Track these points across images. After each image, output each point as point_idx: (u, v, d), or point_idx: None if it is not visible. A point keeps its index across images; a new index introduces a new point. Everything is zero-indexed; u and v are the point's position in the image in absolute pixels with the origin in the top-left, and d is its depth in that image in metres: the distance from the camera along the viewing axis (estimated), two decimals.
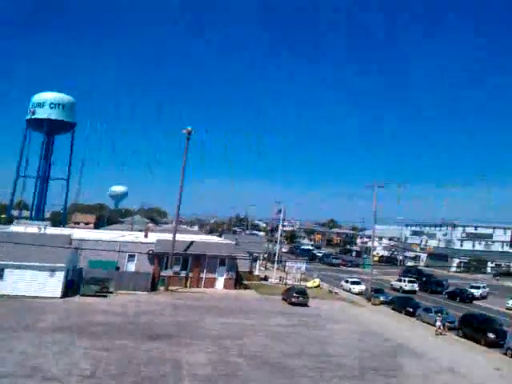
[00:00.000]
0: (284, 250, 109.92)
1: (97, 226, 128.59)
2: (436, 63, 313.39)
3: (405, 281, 63.99)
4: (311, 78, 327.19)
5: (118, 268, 49.23)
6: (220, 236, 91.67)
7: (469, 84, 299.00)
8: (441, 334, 37.48)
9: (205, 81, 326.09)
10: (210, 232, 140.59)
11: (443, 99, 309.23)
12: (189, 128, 51.09)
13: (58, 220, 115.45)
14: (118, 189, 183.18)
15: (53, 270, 41.19)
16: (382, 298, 51.47)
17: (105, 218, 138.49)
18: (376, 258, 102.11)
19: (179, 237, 53.16)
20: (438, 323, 38.14)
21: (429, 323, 40.70)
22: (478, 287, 62.73)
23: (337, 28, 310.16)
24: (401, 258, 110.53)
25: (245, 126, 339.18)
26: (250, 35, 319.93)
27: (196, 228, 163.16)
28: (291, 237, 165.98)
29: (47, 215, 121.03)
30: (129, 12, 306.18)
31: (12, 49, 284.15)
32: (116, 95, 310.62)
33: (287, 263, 68.91)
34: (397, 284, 63.86)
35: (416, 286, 62.32)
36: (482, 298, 60.30)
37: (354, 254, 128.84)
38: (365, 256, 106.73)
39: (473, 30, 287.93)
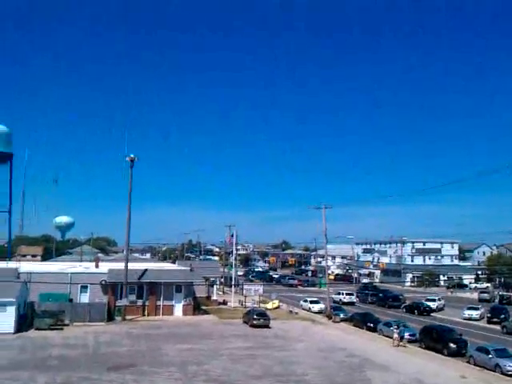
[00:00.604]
0: (240, 273, 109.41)
1: (44, 257, 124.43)
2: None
3: (343, 293, 69.20)
4: (255, 100, 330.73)
5: (70, 300, 47.62)
6: (174, 263, 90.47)
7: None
8: (398, 345, 38.14)
9: (143, 108, 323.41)
10: (164, 259, 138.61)
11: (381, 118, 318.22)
12: (132, 156, 50.44)
13: (3, 253, 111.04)
14: (64, 219, 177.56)
15: (3, 305, 39.53)
16: (342, 315, 51.84)
17: (52, 249, 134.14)
18: (331, 277, 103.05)
19: (132, 265, 52.06)
20: (395, 335, 38.85)
21: (390, 337, 41.06)
22: (434, 300, 64.17)
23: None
24: (355, 275, 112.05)
25: (189, 151, 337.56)
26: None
27: (148, 256, 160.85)
28: (246, 260, 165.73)
29: None
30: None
31: None
32: (55, 123, 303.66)
33: (245, 286, 68.53)
34: (336, 297, 67.17)
35: (354, 298, 67.12)
36: (439, 310, 61.70)
37: (309, 273, 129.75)
38: (320, 275, 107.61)
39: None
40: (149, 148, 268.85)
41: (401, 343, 38.70)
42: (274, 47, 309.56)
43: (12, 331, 38.82)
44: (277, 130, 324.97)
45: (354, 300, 65.71)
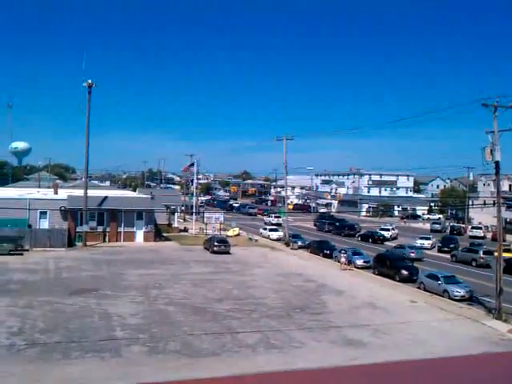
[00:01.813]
0: (201, 201, 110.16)
1: (1, 183, 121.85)
2: None
3: (270, 230, 63.90)
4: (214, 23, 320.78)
5: (30, 226, 47.24)
6: (134, 191, 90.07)
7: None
8: (345, 269, 40.53)
9: (106, 25, 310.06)
10: (124, 187, 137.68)
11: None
12: (89, 81, 48.83)
13: None
14: (20, 145, 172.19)
15: None
16: (299, 243, 53.24)
17: (8, 175, 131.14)
18: (290, 206, 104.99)
19: (92, 192, 51.76)
20: (343, 259, 41.44)
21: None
22: (388, 229, 66.40)
23: None
24: (313, 205, 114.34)
25: (151, 76, 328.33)
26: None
27: (108, 183, 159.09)
28: (207, 189, 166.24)
29: None
30: None
31: None
32: (7, 44, 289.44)
33: (206, 214, 69.16)
34: (265, 233, 63.34)
35: (280, 234, 60.63)
36: (393, 238, 63.97)
37: (269, 203, 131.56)
38: (279, 205, 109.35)
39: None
40: (111, 73, 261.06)
41: (348, 267, 40.89)
42: None
43: None
44: (241, 55, 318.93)
45: (281, 234, 59.65)
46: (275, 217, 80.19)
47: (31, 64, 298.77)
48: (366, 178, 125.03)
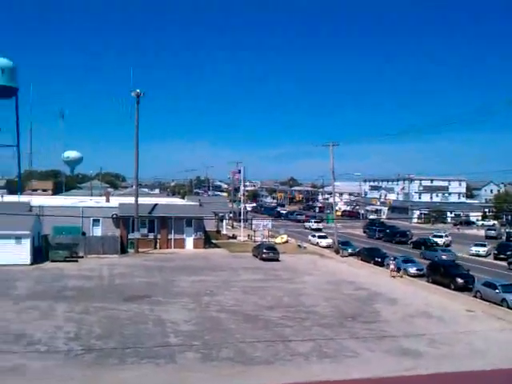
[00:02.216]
0: (248, 208, 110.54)
1: (55, 192, 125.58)
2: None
3: (319, 237, 62.90)
4: (262, 41, 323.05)
5: (83, 233, 48.46)
6: (183, 198, 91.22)
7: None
8: (394, 276, 39.84)
9: (149, 44, 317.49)
10: (172, 194, 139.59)
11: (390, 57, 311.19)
12: (137, 90, 49.73)
13: (14, 188, 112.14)
14: (72, 154, 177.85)
15: (19, 238, 40.34)
16: (350, 250, 52.56)
17: (62, 184, 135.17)
18: (339, 213, 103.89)
19: (142, 200, 52.70)
20: (392, 266, 40.51)
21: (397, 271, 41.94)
22: (441, 236, 64.75)
23: None
24: (362, 212, 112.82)
25: (198, 86, 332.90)
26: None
27: (157, 191, 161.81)
28: (254, 196, 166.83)
29: (1, 183, 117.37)
30: None
31: None
32: (62, 57, 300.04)
33: (253, 221, 69.26)
34: (314, 240, 62.48)
35: (330, 241, 59.94)
36: (446, 246, 62.24)
37: (317, 209, 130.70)
38: (328, 211, 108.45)
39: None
40: (159, 83, 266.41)
41: (397, 274, 40.12)
42: None
43: (28, 263, 39.82)
44: (283, 68, 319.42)
45: (331, 241, 59.08)
46: (315, 222, 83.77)
47: (82, 73, 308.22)
48: (417, 183, 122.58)
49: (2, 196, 59.29)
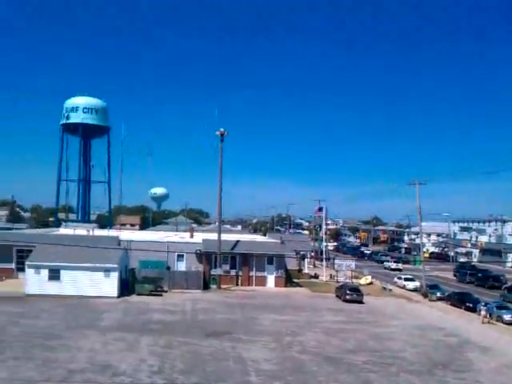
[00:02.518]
0: (330, 247, 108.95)
1: (142, 227, 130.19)
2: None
3: (405, 279, 60.20)
4: (345, 80, 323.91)
5: (168, 268, 49.51)
6: (264, 235, 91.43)
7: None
8: (488, 322, 38.00)
9: (233, 84, 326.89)
10: (254, 231, 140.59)
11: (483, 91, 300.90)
12: (222, 129, 51.01)
13: (104, 222, 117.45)
14: (159, 191, 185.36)
15: (107, 271, 41.72)
16: (438, 294, 50.08)
17: (149, 219, 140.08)
18: (426, 255, 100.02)
19: (224, 236, 53.24)
20: (483, 312, 38.60)
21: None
22: None
23: None
24: (452, 254, 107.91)
25: (279, 125, 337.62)
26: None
27: (239, 227, 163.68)
28: (336, 234, 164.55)
29: (93, 217, 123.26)
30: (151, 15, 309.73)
31: (41, 55, 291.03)
32: (149, 97, 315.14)
33: (336, 261, 67.97)
34: (400, 283, 59.86)
35: (417, 284, 57.38)
36: None
37: (402, 251, 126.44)
38: (414, 253, 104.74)
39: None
40: (241, 122, 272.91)
41: (491, 320, 38.31)
42: None
43: (115, 295, 41.08)
44: (364, 108, 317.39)
45: (418, 284, 56.66)
46: (394, 262, 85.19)
47: (169, 112, 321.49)
48: (510, 225, 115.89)
49: (93, 230, 62.14)
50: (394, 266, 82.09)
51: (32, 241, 47.13)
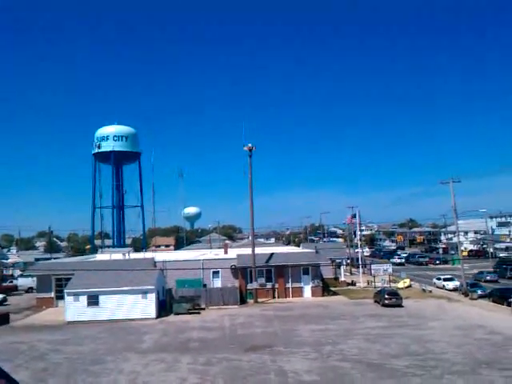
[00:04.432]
0: (366, 253, 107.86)
1: (176, 247, 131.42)
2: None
3: (444, 279, 59.01)
4: (367, 85, 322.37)
5: (204, 285, 49.78)
6: (298, 246, 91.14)
7: None
8: None
9: (259, 99, 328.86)
10: (288, 243, 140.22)
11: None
12: (249, 145, 51.19)
13: (139, 245, 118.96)
14: (192, 210, 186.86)
15: (144, 292, 42.21)
16: (479, 292, 49.09)
17: (183, 239, 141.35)
18: (465, 253, 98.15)
19: (258, 250, 53.29)
20: None
21: None
22: None
23: None
24: (491, 250, 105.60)
25: (306, 133, 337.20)
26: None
27: (273, 240, 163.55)
28: (371, 240, 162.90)
29: (128, 241, 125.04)
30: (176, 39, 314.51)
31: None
32: (176, 120, 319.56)
33: (373, 266, 67.26)
34: (439, 283, 58.89)
35: (457, 283, 55.89)
36: None
37: (440, 251, 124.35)
38: (452, 252, 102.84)
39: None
40: (270, 133, 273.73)
41: None
42: None
43: (154, 316, 41.50)
44: (392, 109, 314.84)
45: (458, 283, 55.17)
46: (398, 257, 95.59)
47: (196, 133, 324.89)
48: None
49: (129, 254, 63.01)
50: (398, 261, 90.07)
51: (70, 268, 48.11)
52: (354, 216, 77.43)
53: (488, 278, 62.49)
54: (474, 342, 29.73)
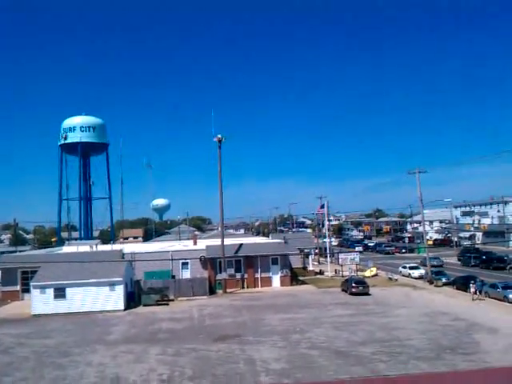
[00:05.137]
0: (334, 243, 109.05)
1: (145, 239, 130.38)
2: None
3: (410, 268, 59.83)
4: (337, 73, 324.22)
5: (173, 276, 49.65)
6: (267, 236, 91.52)
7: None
8: (476, 299, 40.24)
9: (228, 87, 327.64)
10: (257, 234, 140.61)
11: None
12: (219, 136, 51.07)
13: (107, 237, 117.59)
14: (160, 202, 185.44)
15: (112, 285, 41.86)
16: (444, 280, 50.15)
17: (152, 230, 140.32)
18: (430, 242, 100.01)
19: (228, 241, 53.39)
20: (472, 289, 40.89)
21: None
22: None
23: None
24: (455, 239, 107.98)
25: (279, 124, 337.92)
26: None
27: (242, 231, 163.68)
28: (339, 230, 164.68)
29: (96, 234, 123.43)
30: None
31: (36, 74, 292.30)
32: (145, 111, 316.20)
33: (340, 255, 68.01)
34: (405, 271, 59.68)
35: (422, 271, 56.90)
36: None
37: (406, 240, 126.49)
38: (418, 241, 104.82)
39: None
40: (237, 123, 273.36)
41: (480, 296, 40.64)
42: None
43: (122, 308, 41.25)
44: (360, 99, 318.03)
45: (423, 271, 55.96)
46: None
47: (164, 122, 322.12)
48: None
49: (96, 246, 62.31)
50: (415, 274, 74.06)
51: (36, 261, 47.31)
52: (322, 206, 78.08)
53: (434, 262, 62.89)
54: (438, 328, 30.48)
